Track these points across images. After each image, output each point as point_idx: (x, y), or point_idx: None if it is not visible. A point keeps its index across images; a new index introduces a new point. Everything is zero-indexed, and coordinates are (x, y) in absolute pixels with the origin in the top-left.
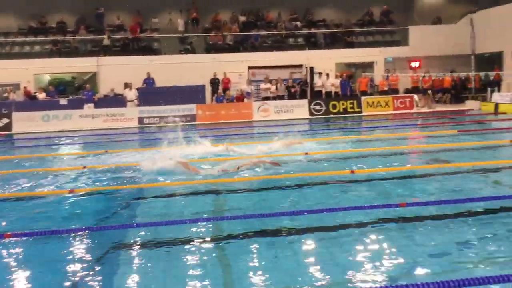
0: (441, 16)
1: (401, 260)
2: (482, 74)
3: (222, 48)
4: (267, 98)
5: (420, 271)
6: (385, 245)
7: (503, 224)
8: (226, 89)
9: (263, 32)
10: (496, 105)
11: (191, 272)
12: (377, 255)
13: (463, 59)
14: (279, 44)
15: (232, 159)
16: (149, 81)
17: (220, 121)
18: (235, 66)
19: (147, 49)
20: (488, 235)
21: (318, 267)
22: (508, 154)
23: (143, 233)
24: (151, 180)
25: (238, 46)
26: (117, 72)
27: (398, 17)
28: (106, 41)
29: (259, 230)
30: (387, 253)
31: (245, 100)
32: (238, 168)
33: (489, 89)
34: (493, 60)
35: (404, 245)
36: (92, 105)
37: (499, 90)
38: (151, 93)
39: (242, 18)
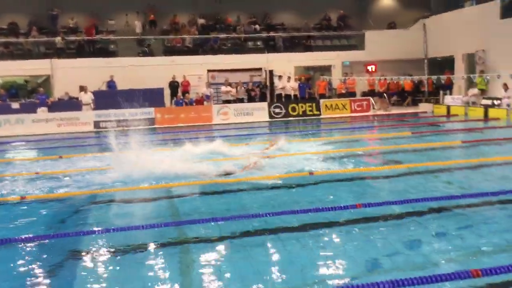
0: (395, 21)
1: (358, 260)
2: (434, 77)
3: (181, 51)
4: (227, 101)
5: (376, 270)
6: (342, 245)
7: (454, 222)
8: (185, 92)
9: (222, 35)
10: (448, 107)
11: (147, 279)
12: (335, 255)
13: (417, 63)
14: (239, 47)
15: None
16: (112, 83)
17: (180, 125)
18: (194, 69)
19: (103, 52)
20: (441, 234)
21: (277, 268)
22: (459, 155)
23: (97, 240)
24: (105, 186)
25: (197, 48)
26: (72, 75)
27: (354, 22)
28: (60, 43)
29: (220, 234)
30: (344, 254)
31: (205, 103)
32: (255, 163)
33: (441, 92)
34: (445, 64)
35: (360, 245)
36: (45, 109)
37: (450, 93)
38: (107, 97)
39: (201, 21)
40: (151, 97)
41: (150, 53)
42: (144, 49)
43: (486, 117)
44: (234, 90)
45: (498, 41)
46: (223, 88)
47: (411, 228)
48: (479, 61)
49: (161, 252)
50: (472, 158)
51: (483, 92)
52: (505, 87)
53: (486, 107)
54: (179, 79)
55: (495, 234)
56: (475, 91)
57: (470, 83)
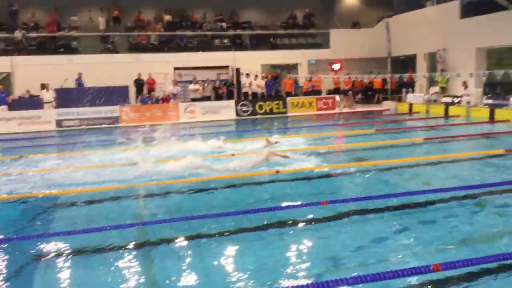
0: (359, 20)
1: (322, 257)
2: (396, 76)
3: (146, 48)
4: (193, 99)
5: (342, 266)
6: (307, 243)
7: (417, 218)
8: (151, 90)
9: (189, 33)
10: (411, 105)
11: (112, 280)
12: (301, 253)
13: (381, 62)
14: (205, 45)
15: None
16: (81, 81)
17: (145, 123)
18: (160, 66)
19: (65, 48)
20: (404, 229)
21: (242, 267)
22: (421, 151)
23: (61, 241)
24: (67, 187)
25: (163, 46)
26: (33, 72)
27: (319, 20)
28: (19, 37)
29: (187, 234)
30: (309, 251)
31: (171, 101)
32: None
33: (404, 90)
34: (408, 63)
35: (325, 242)
36: (5, 107)
37: (413, 91)
38: (70, 94)
39: (167, 18)
40: (115, 95)
41: (114, 50)
42: (108, 46)
43: (446, 115)
44: (201, 88)
45: (458, 40)
46: (191, 86)
47: (375, 224)
48: (440, 60)
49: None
50: (433, 154)
51: (443, 90)
52: (465, 85)
53: (447, 105)
54: (145, 77)
55: (456, 228)
56: (436, 89)
57: (432, 82)
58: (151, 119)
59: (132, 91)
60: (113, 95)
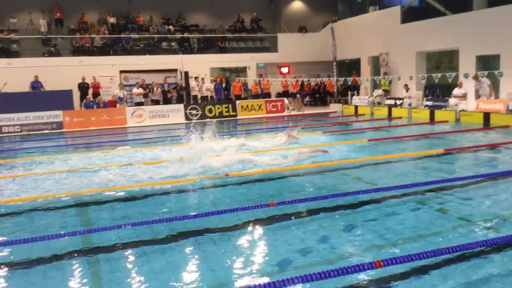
0: (306, 25)
1: (271, 258)
2: (341, 79)
3: (91, 51)
4: (141, 103)
5: (290, 266)
6: (256, 244)
7: (363, 216)
8: (96, 94)
9: (135, 35)
10: (356, 107)
11: None
12: (250, 254)
13: (327, 65)
14: (152, 48)
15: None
16: (37, 84)
17: (91, 128)
18: (105, 70)
19: (5, 51)
20: (351, 228)
21: (191, 269)
22: (366, 153)
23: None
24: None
25: (108, 49)
26: None
27: (267, 24)
28: None
29: (134, 239)
30: (259, 252)
31: (118, 105)
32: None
33: (349, 93)
34: (353, 66)
35: (274, 243)
36: None
37: (358, 94)
38: (10, 99)
39: (112, 20)
40: (58, 99)
41: (57, 53)
42: (50, 49)
43: (390, 116)
44: (143, 91)
45: (399, 44)
46: (135, 90)
47: (321, 224)
48: (383, 64)
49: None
50: (378, 155)
51: (386, 92)
52: (406, 88)
53: (390, 107)
54: (89, 81)
55: (398, 226)
56: (379, 91)
57: (375, 85)
58: (97, 124)
59: (76, 95)
60: (56, 99)
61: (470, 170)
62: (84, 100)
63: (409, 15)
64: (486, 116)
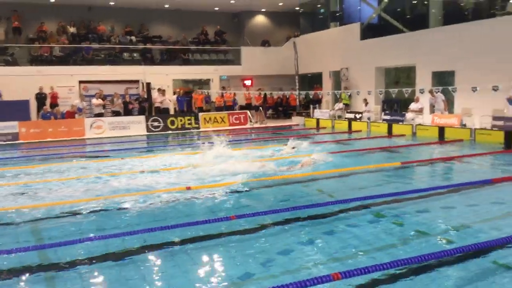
0: (269, 39)
1: (231, 272)
2: (303, 93)
3: (49, 61)
4: (101, 114)
5: (251, 280)
6: (217, 258)
7: (323, 228)
8: (54, 104)
9: (95, 45)
10: (318, 120)
11: None
12: (210, 268)
13: (290, 79)
14: (113, 58)
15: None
16: None
17: (48, 140)
18: (64, 80)
19: None
20: (311, 240)
21: (150, 284)
22: (327, 165)
23: None
24: None
25: (68, 58)
26: None
27: (231, 37)
28: None
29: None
30: (219, 266)
31: (77, 116)
32: (301, 165)
33: (311, 106)
34: (315, 80)
35: (235, 256)
36: None
37: (320, 107)
38: None
39: (71, 30)
40: (14, 110)
41: (14, 63)
42: (7, 58)
43: (350, 130)
44: (102, 102)
45: (359, 60)
46: (94, 101)
47: (282, 237)
48: (344, 78)
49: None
50: (338, 167)
51: (347, 106)
52: (365, 102)
53: (350, 120)
54: (47, 91)
55: (357, 238)
56: (340, 105)
57: (336, 98)
58: (54, 135)
59: (34, 105)
60: (11, 110)
61: (425, 182)
62: (42, 111)
63: (368, 32)
64: (441, 130)
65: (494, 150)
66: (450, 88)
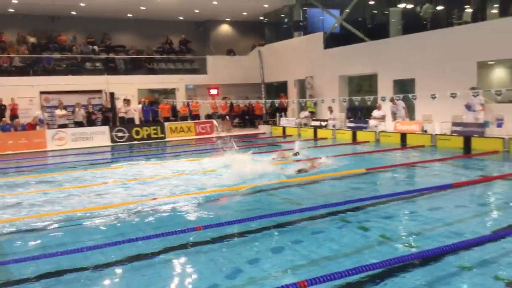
0: (234, 48)
1: (200, 282)
2: (268, 101)
3: (9, 71)
4: (64, 125)
5: None
6: (183, 269)
7: (290, 236)
8: (14, 116)
9: (57, 55)
10: (284, 128)
11: None
12: (178, 280)
13: (256, 87)
14: (75, 68)
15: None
16: None
17: (7, 152)
18: (24, 90)
19: None
20: (278, 249)
21: None
22: (293, 173)
23: None
24: None
25: (28, 69)
26: None
27: (196, 46)
28: None
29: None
30: (186, 277)
31: (38, 127)
32: (312, 167)
33: (278, 114)
34: (280, 88)
35: (201, 266)
36: None
37: (286, 115)
38: None
39: (32, 39)
40: None
41: None
42: None
43: (315, 137)
44: (65, 113)
45: (323, 68)
46: (58, 112)
47: (250, 245)
48: (308, 86)
49: None
50: (304, 175)
51: (312, 114)
52: (330, 110)
53: (315, 128)
54: (6, 102)
55: (323, 245)
56: (306, 113)
57: (302, 107)
58: (14, 148)
59: None
60: None
61: (389, 188)
62: (0, 123)
63: (331, 41)
64: (403, 136)
65: (454, 155)
66: (410, 95)
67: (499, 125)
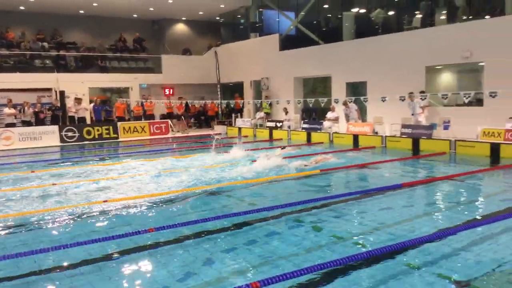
0: (190, 47)
1: (153, 286)
2: (224, 102)
3: None
4: (12, 125)
5: None
6: (136, 273)
7: (244, 237)
8: None
9: (4, 52)
10: (240, 129)
11: None
12: (128, 285)
13: (212, 88)
14: (24, 65)
15: None
16: None
17: None
18: None
19: None
20: (232, 249)
21: None
22: (250, 174)
23: None
24: None
25: None
26: None
27: (151, 45)
28: None
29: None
30: (139, 281)
31: None
32: (316, 162)
33: (233, 115)
34: (236, 89)
35: (154, 269)
36: None
37: (241, 116)
38: None
39: None
40: None
41: None
42: None
43: (271, 138)
44: (14, 111)
45: (278, 70)
46: (6, 110)
47: (204, 247)
48: (264, 88)
49: None
50: (260, 176)
51: (268, 115)
52: (285, 111)
53: (271, 129)
54: None
55: (277, 245)
56: (261, 114)
57: (257, 107)
58: None
59: None
60: None
61: (342, 188)
62: None
63: (287, 43)
64: (356, 138)
65: (403, 156)
66: (362, 98)
67: (446, 128)
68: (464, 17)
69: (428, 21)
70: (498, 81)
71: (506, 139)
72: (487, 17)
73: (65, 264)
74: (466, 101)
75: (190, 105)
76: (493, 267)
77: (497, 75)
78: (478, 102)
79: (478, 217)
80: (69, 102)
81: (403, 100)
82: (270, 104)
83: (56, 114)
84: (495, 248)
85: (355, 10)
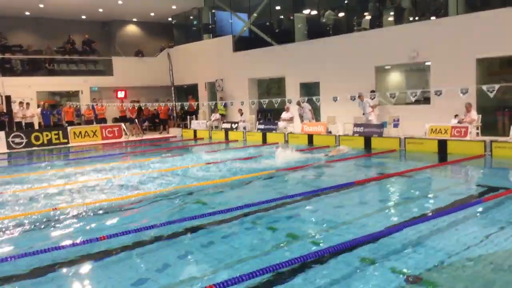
0: (142, 49)
1: None
2: (178, 104)
3: None
4: None
5: None
6: (87, 282)
7: (203, 239)
8: None
9: None
10: (195, 131)
11: None
12: None
13: (166, 90)
14: None
15: None
16: None
17: None
18: None
19: None
20: (188, 253)
21: None
22: (206, 176)
23: None
24: None
25: None
26: None
27: (101, 47)
28: None
29: None
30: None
31: None
32: (332, 154)
33: (188, 117)
34: (190, 91)
35: (107, 278)
36: None
37: (197, 118)
38: None
39: None
40: None
41: None
42: None
43: (227, 139)
44: None
45: (233, 71)
46: None
47: (162, 252)
48: (219, 89)
49: None
50: (216, 178)
51: (223, 116)
52: (240, 112)
53: (227, 130)
54: None
55: (235, 246)
56: (216, 116)
57: (213, 109)
58: None
59: None
60: None
61: (296, 188)
62: None
63: (240, 44)
64: (310, 137)
65: (356, 154)
66: (314, 98)
67: (395, 126)
68: (411, 18)
69: (377, 23)
70: (444, 80)
71: (453, 136)
72: (432, 18)
73: (13, 274)
74: (413, 99)
75: (143, 108)
76: (443, 260)
77: (442, 74)
78: (426, 100)
79: (428, 212)
80: (15, 107)
81: (354, 100)
82: (225, 106)
83: (2, 119)
84: (445, 242)
85: (306, 11)
